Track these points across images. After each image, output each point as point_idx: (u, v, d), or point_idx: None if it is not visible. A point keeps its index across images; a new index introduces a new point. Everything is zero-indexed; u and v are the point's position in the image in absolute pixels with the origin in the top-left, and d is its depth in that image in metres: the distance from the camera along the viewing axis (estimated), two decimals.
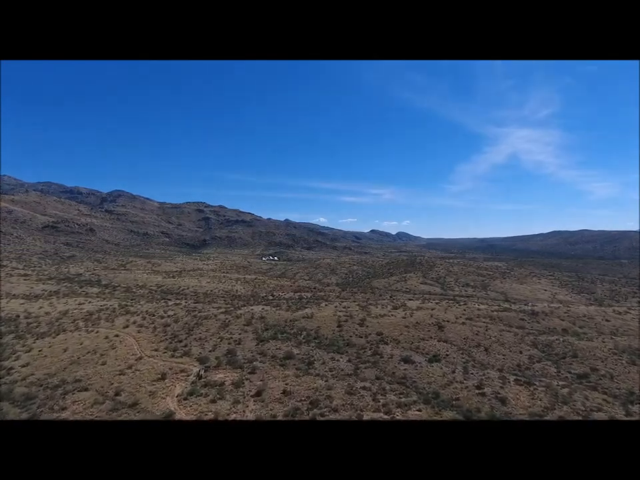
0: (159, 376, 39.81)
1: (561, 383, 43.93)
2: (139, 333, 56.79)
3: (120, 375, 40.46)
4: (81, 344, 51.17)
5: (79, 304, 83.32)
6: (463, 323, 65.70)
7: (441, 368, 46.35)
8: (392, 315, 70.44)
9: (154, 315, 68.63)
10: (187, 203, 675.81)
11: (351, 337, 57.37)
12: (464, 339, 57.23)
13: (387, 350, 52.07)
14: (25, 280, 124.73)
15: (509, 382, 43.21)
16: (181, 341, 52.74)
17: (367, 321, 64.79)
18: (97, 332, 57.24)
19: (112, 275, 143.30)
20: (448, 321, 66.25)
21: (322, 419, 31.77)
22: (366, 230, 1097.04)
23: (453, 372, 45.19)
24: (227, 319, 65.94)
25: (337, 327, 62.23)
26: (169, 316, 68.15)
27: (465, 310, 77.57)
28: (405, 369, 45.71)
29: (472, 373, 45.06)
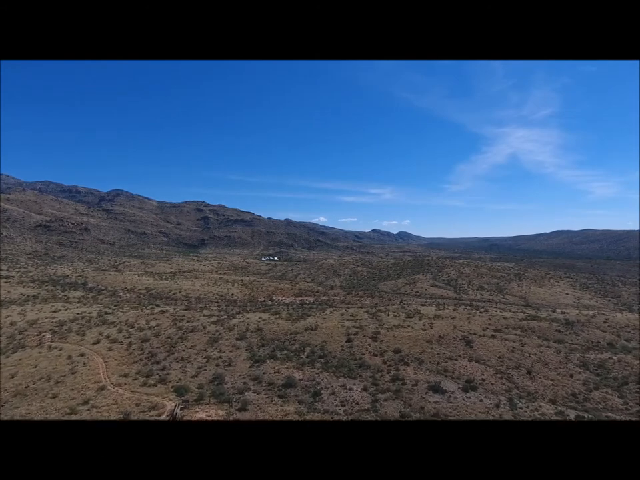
0: (121, 416, 30.50)
1: (634, 420, 34.74)
2: (109, 350, 47.49)
3: (70, 414, 31.18)
4: (35, 367, 41.90)
5: (54, 311, 74.10)
6: (493, 336, 56.39)
7: (481, 400, 37.06)
8: (408, 326, 61.09)
9: (133, 327, 59.35)
10: (186, 202, 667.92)
11: (363, 354, 48.07)
12: (499, 357, 47.88)
13: (410, 373, 42.79)
14: (5, 282, 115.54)
15: (570, 420, 33.97)
16: (158, 362, 43.42)
17: (380, 334, 55.46)
18: (61, 349, 47.98)
19: (100, 277, 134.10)
20: (475, 334, 56.93)
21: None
22: (367, 229, 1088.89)
23: (497, 406, 35.90)
24: (217, 331, 56.63)
25: (346, 341, 52.96)
26: (150, 327, 58.87)
27: (489, 319, 68.22)
28: (435, 402, 36.44)
29: (521, 408, 35.78)
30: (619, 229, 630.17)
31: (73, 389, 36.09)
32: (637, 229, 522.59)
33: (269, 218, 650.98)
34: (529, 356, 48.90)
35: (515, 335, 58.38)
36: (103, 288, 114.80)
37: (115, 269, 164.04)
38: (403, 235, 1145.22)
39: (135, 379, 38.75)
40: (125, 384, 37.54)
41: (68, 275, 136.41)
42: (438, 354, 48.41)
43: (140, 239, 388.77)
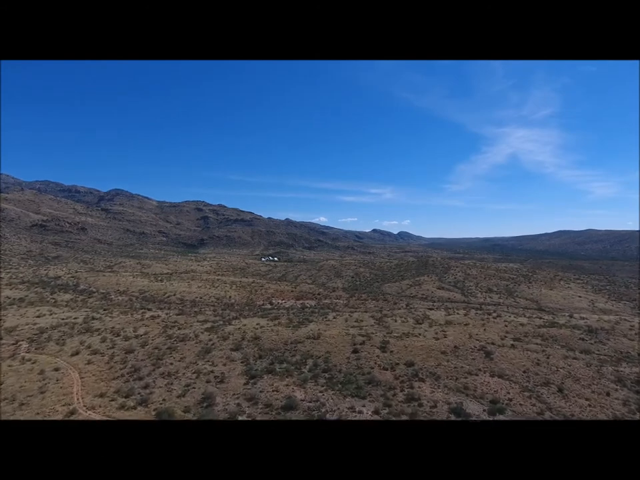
0: None
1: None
2: (88, 364, 42.47)
3: None
4: (0, 384, 36.86)
5: (37, 317, 69.13)
6: (513, 346, 51.35)
7: None
8: (419, 335, 56.08)
9: (118, 335, 54.31)
10: (186, 201, 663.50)
11: (372, 368, 43.03)
12: (524, 372, 42.84)
13: (426, 391, 37.78)
14: None
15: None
16: (141, 378, 38.40)
17: (390, 344, 50.43)
18: (35, 362, 42.99)
19: (93, 278, 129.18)
20: (493, 344, 51.88)
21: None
22: (367, 229, 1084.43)
23: None
24: (210, 340, 51.63)
25: (352, 352, 47.95)
26: (137, 336, 53.84)
27: (506, 326, 63.20)
28: None
29: None
30: (619, 229, 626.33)
31: (38, 413, 31.08)
32: (637, 229, 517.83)
33: (269, 218, 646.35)
34: (557, 370, 43.86)
35: (537, 344, 53.34)
36: (94, 290, 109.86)
37: (109, 270, 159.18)
38: (403, 235, 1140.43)
39: (112, 400, 33.74)
40: (100, 406, 32.52)
41: (60, 276, 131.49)
42: (455, 367, 43.37)
43: (138, 239, 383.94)
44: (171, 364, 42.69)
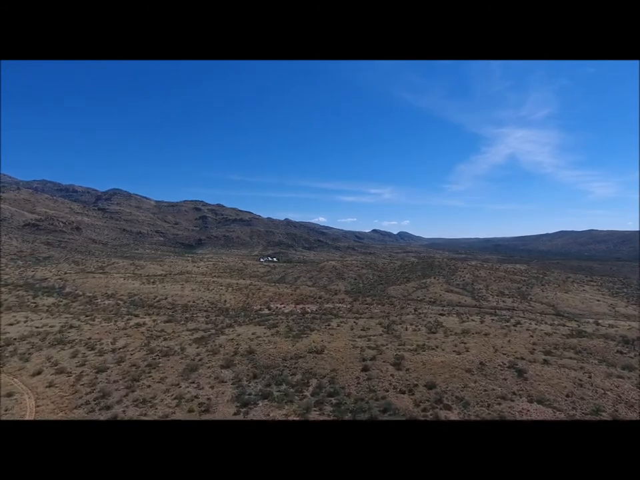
0: None
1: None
2: (49, 387, 35.75)
3: None
4: None
5: (10, 324, 62.36)
6: (545, 362, 44.71)
7: None
8: (437, 347, 49.42)
9: (93, 348, 47.55)
10: (184, 201, 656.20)
11: (387, 391, 36.39)
12: (566, 396, 36.19)
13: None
14: None
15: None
16: (109, 407, 31.68)
17: (405, 360, 43.76)
18: None
19: (82, 280, 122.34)
20: (522, 359, 45.26)
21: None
22: (367, 229, 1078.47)
23: None
24: (198, 354, 44.93)
25: (362, 369, 41.34)
26: (114, 350, 47.07)
27: (531, 336, 56.60)
28: None
29: None
30: (619, 229, 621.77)
31: None
32: (637, 229, 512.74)
33: (268, 218, 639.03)
34: (604, 393, 37.24)
35: (571, 359, 46.74)
36: (80, 293, 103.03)
37: (101, 271, 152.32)
38: (403, 235, 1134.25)
39: None
40: None
41: (47, 278, 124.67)
42: (485, 390, 36.73)
43: (135, 239, 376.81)
44: (149, 386, 35.97)
